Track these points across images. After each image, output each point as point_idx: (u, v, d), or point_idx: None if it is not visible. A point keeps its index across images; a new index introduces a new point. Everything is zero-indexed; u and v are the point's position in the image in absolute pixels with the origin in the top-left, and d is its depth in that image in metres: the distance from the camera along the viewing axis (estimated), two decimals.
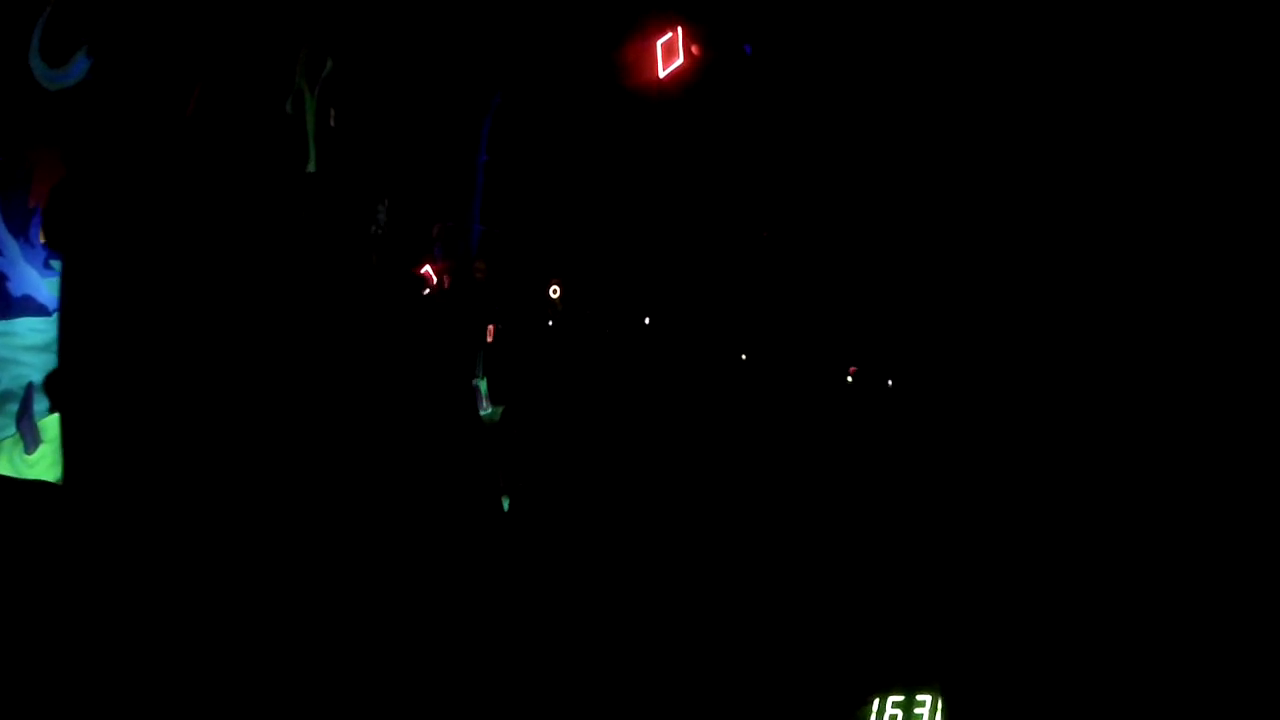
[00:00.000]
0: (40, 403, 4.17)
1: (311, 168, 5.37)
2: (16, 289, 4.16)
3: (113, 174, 4.82)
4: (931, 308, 7.73)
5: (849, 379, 7.75)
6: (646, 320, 7.51)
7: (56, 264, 4.34)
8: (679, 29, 6.62)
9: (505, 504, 5.64)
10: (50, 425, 4.19)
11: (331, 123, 5.45)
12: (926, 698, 4.83)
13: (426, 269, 5.93)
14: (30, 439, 4.11)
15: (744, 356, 7.71)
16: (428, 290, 5.92)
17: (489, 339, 6.33)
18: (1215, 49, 6.96)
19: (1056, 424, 6.81)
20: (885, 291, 7.93)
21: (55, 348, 4.28)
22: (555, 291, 6.30)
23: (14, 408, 4.06)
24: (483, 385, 6.33)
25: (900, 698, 4.85)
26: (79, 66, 4.45)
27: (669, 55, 6.49)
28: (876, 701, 4.74)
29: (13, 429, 4.04)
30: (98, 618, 3.90)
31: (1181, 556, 5.63)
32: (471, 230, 6.10)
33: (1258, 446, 6.29)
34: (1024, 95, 7.43)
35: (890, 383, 7.81)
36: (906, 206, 7.86)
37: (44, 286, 4.28)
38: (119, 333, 4.70)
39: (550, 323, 6.86)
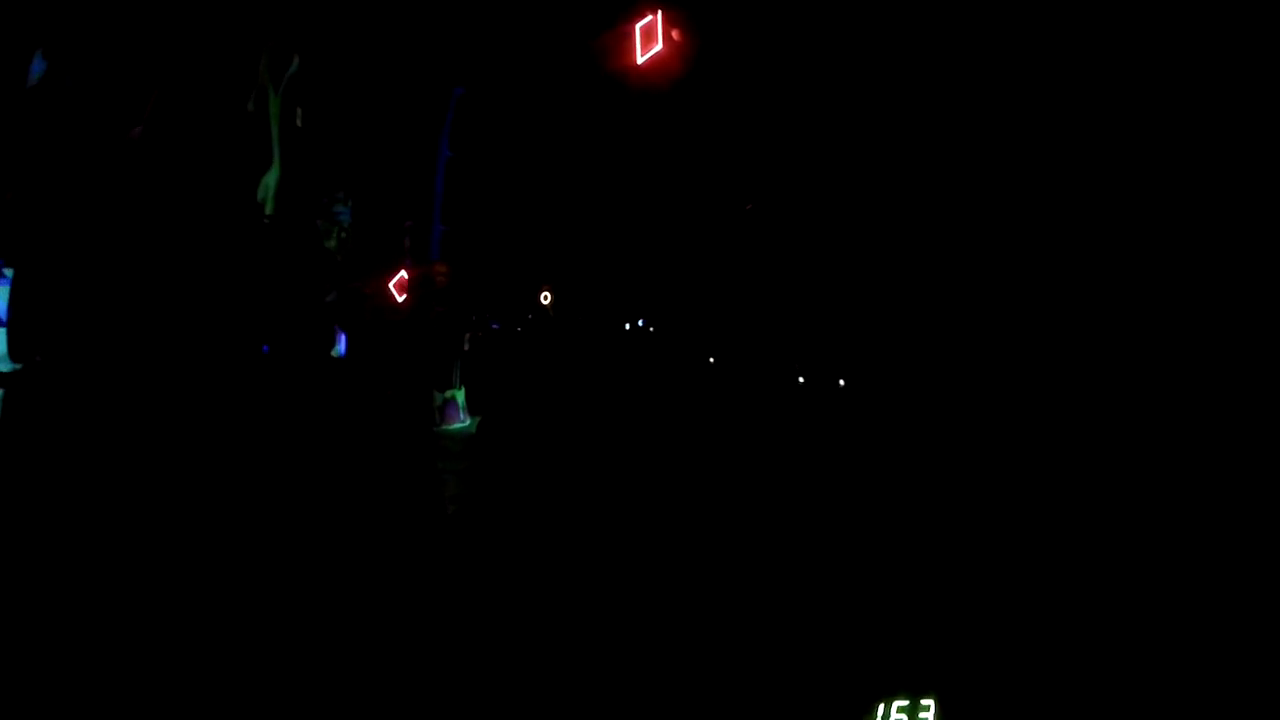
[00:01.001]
0: None
1: (275, 168, 5.18)
2: None
3: (68, 179, 4.66)
4: (928, 307, 7.63)
5: (841, 383, 7.62)
6: (628, 324, 7.33)
7: (9, 272, 4.18)
8: (658, 12, 6.32)
9: (481, 512, 5.42)
10: None
11: (298, 122, 5.26)
12: (930, 702, 4.69)
13: (401, 274, 5.71)
14: None
15: (735, 359, 7.55)
16: (402, 296, 5.70)
17: (465, 347, 6.12)
18: (1213, 49, 6.94)
19: (1056, 426, 6.73)
20: (874, 289, 7.80)
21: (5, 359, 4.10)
22: (546, 298, 6.08)
23: None
24: (460, 396, 6.12)
25: (905, 702, 4.70)
26: (35, 69, 4.33)
27: (647, 40, 6.22)
28: (881, 707, 4.58)
29: None
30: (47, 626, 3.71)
31: (1180, 560, 5.54)
32: (432, 231, 5.84)
33: (1245, 449, 6.23)
34: (1003, 82, 7.37)
35: (890, 384, 7.68)
36: (891, 199, 7.76)
37: None
38: (74, 343, 4.51)
39: (538, 328, 6.67)
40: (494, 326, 6.44)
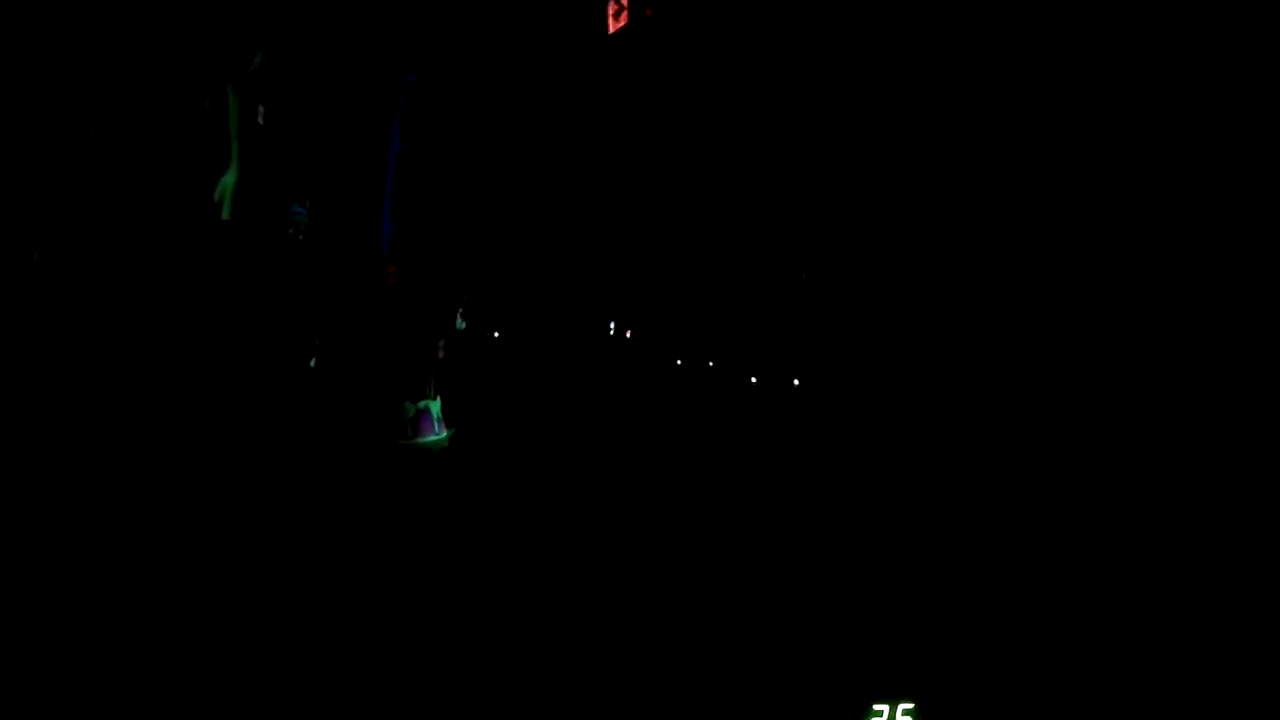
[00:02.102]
0: None
1: (233, 169, 4.97)
2: None
3: (22, 181, 4.51)
4: (914, 303, 7.43)
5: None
6: (601, 325, 7.08)
7: None
8: None
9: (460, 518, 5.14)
10: None
11: (260, 120, 5.07)
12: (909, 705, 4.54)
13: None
14: None
15: (715, 360, 7.31)
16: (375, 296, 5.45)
17: (440, 355, 5.86)
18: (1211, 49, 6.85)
19: (1056, 426, 6.53)
20: (869, 282, 7.59)
21: None
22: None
23: None
24: (435, 407, 5.87)
25: (910, 705, 4.52)
26: None
27: (617, 15, 5.94)
28: (886, 708, 4.38)
29: None
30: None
31: (1172, 562, 5.39)
32: (382, 229, 5.56)
33: (1237, 450, 6.07)
34: (982, 75, 7.24)
35: (872, 385, 7.46)
36: (876, 194, 7.58)
37: None
38: (34, 347, 4.35)
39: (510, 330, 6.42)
40: (460, 327, 6.18)
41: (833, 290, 7.53)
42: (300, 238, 5.00)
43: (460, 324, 6.68)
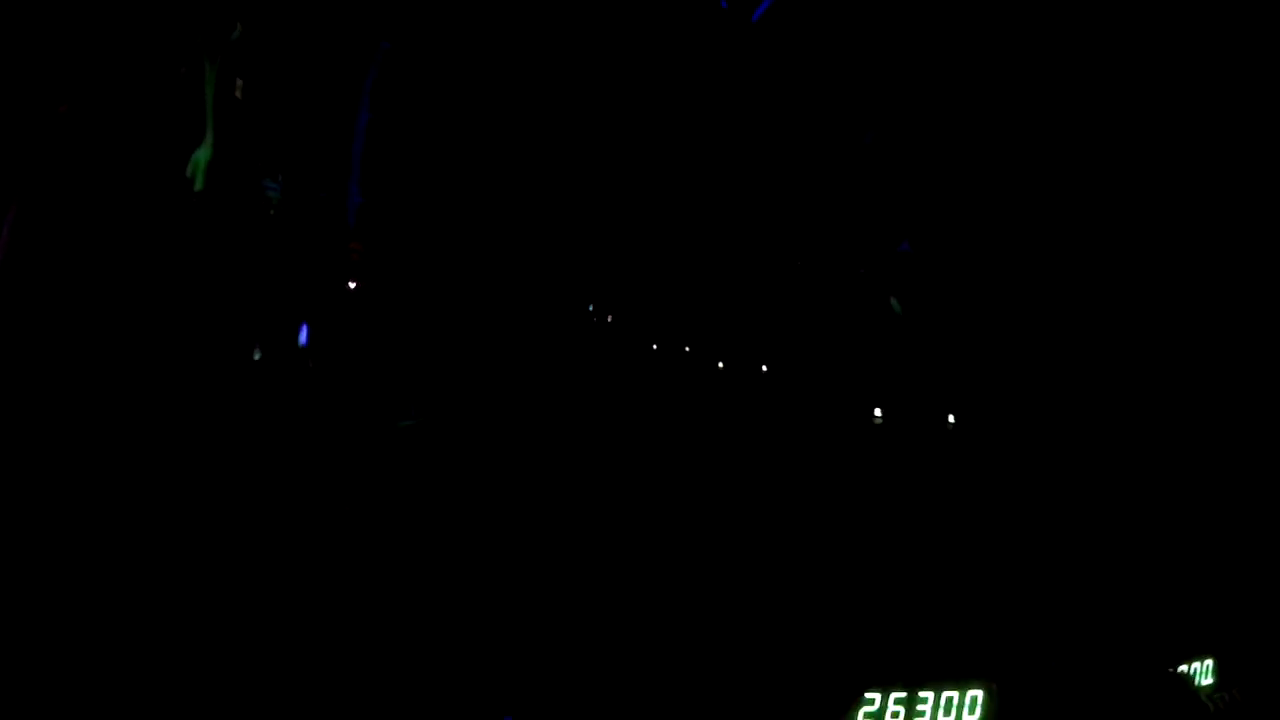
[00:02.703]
0: None
1: (208, 144, 4.83)
2: None
3: None
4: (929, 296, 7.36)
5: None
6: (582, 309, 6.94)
7: None
8: None
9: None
10: None
11: (237, 93, 4.92)
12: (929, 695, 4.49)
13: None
14: None
15: (705, 349, 7.20)
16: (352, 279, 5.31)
17: (422, 334, 5.71)
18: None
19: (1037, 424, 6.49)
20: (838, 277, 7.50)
21: None
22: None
23: None
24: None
25: (903, 694, 4.46)
26: None
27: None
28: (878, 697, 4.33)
29: None
30: None
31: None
32: (349, 203, 5.37)
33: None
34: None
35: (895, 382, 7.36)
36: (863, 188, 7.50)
37: None
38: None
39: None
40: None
41: (826, 283, 7.47)
42: (272, 213, 4.87)
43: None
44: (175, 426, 4.59)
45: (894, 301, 7.81)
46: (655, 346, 7.31)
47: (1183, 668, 4.67)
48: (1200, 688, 4.86)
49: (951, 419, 7.09)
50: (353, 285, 5.27)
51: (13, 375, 4.17)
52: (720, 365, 7.32)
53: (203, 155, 4.85)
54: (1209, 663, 4.99)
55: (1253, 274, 6.75)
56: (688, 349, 7.40)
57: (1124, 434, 6.58)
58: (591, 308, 6.96)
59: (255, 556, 4.06)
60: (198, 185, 4.77)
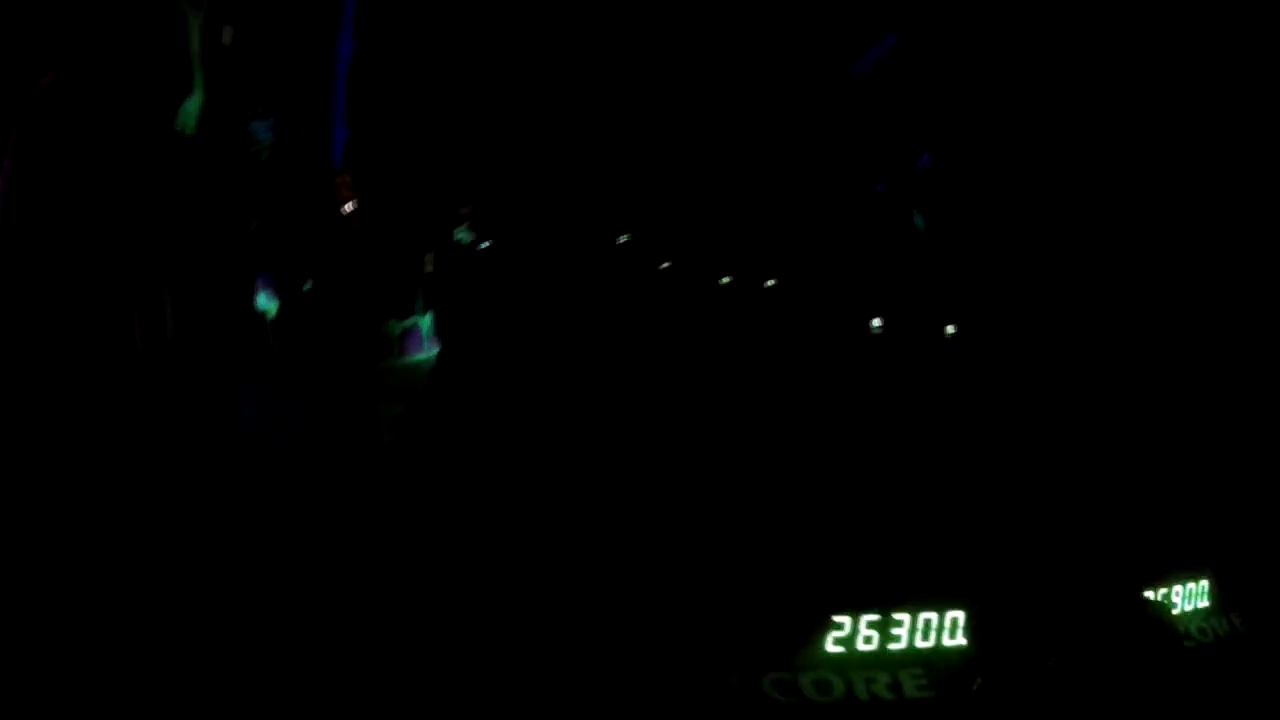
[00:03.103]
0: None
1: (197, 94, 4.93)
2: None
3: None
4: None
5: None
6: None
7: None
8: None
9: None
10: None
11: (226, 40, 4.98)
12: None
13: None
14: None
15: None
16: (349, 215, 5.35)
17: (428, 267, 5.79)
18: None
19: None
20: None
21: None
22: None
23: None
24: (425, 324, 5.85)
25: (876, 617, 4.44)
26: None
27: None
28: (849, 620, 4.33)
29: None
30: None
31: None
32: (334, 136, 5.40)
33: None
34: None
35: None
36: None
37: None
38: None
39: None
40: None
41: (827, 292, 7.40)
42: (264, 156, 4.95)
43: (464, 237, 6.60)
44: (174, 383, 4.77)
45: (917, 216, 7.68)
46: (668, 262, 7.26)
47: (1163, 590, 4.57)
48: (1193, 611, 4.73)
49: (950, 329, 7.00)
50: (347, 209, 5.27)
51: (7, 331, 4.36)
52: (726, 280, 7.25)
53: (193, 104, 4.95)
54: (1204, 583, 4.86)
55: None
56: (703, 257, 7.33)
57: (1121, 347, 6.45)
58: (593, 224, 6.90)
59: (254, 548, 4.15)
60: (189, 133, 4.88)
